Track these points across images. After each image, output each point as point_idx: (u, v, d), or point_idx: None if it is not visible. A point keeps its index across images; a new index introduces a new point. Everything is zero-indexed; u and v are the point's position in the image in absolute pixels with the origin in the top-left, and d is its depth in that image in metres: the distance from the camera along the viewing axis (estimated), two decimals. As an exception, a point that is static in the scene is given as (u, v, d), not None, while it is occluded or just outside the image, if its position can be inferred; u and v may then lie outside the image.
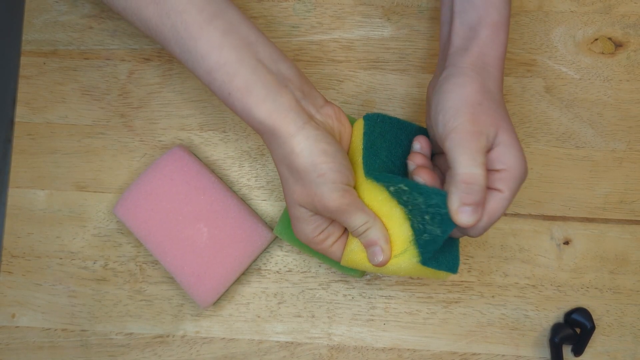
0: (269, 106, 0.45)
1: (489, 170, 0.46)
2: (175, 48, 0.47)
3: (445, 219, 0.45)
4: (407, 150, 0.52)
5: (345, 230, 0.50)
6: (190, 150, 0.60)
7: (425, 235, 0.47)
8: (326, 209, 0.46)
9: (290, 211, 0.48)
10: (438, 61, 0.53)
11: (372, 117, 0.51)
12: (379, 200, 0.48)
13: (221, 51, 0.46)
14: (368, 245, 0.48)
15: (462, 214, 0.44)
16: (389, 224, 0.48)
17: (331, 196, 0.46)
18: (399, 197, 0.48)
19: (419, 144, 0.51)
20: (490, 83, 0.48)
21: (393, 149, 0.51)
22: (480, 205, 0.45)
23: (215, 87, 0.47)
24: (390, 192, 0.48)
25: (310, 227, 0.48)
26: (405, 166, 0.51)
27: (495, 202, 0.46)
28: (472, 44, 0.49)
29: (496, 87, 0.48)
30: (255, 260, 0.59)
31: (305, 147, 0.45)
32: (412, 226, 0.47)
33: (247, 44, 0.46)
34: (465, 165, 0.44)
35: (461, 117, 0.45)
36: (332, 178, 0.45)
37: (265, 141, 0.47)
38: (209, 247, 0.56)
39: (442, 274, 0.49)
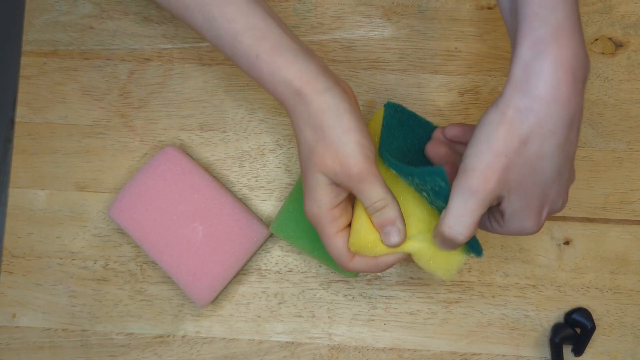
0: (299, 66, 0.46)
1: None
2: (198, 16, 0.48)
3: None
4: (423, 143, 0.52)
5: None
6: (188, 150, 0.60)
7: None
8: (347, 172, 0.45)
9: (307, 180, 0.47)
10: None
11: (393, 105, 0.52)
12: (394, 182, 0.48)
13: (249, 17, 0.47)
14: (383, 225, 0.46)
15: (435, 239, 0.46)
16: (404, 205, 0.48)
17: (355, 157, 0.45)
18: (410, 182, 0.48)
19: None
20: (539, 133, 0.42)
21: (409, 138, 0.52)
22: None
23: (240, 50, 0.47)
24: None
25: (326, 198, 0.46)
26: (419, 155, 0.51)
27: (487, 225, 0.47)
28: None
29: (548, 138, 0.42)
30: (254, 260, 0.59)
31: (333, 103, 0.45)
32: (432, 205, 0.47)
33: (271, 15, 0.48)
34: (450, 221, 0.44)
35: (474, 164, 0.43)
36: (357, 138, 0.45)
37: (289, 107, 0.47)
38: (204, 245, 0.56)
39: (455, 260, 0.48)
